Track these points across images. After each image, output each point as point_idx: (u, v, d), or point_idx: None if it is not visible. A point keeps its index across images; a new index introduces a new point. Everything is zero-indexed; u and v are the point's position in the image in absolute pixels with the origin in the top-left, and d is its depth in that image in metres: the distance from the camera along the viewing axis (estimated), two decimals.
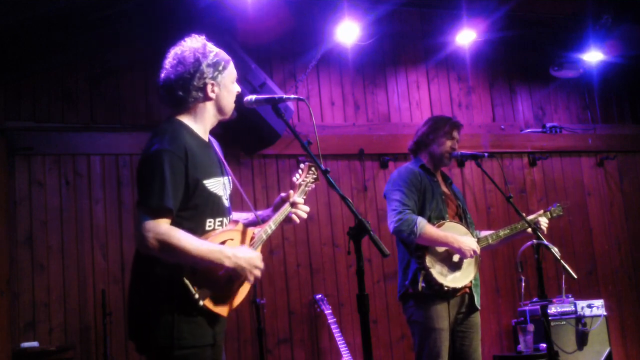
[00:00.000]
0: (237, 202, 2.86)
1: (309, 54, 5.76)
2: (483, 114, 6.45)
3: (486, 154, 4.34)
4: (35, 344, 4.67)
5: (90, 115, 5.24)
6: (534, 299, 5.52)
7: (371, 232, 2.42)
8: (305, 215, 2.82)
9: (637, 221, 6.70)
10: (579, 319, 5.58)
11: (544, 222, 4.14)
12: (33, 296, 4.84)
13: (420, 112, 6.20)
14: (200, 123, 2.66)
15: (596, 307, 5.67)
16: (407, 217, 3.82)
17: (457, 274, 3.89)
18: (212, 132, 2.75)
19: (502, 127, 6.45)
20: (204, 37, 2.69)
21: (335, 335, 5.08)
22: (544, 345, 5.14)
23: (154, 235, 2.36)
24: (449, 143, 4.09)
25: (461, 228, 3.98)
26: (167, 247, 2.37)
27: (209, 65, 2.60)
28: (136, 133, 5.24)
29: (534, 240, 3.89)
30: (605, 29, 5.86)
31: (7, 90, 5.04)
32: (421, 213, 3.93)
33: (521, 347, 5.50)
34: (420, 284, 3.81)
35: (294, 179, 2.87)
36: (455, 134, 4.13)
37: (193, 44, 2.64)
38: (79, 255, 5.00)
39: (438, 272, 3.83)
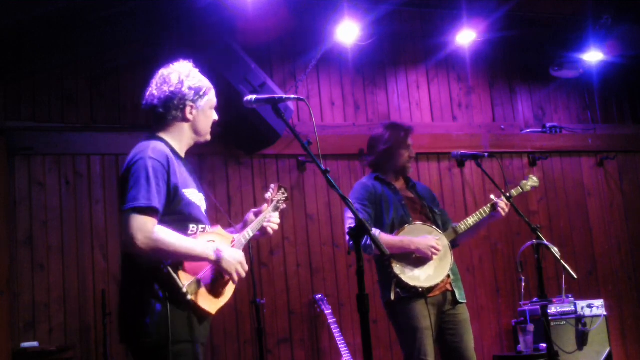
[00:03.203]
0: (213, 214, 2.90)
1: (309, 54, 5.76)
2: (483, 114, 6.45)
3: (486, 154, 4.35)
4: (35, 344, 4.67)
5: (90, 115, 5.24)
6: (534, 299, 5.52)
7: (371, 232, 2.44)
8: (276, 227, 3.08)
9: (637, 221, 6.69)
10: (579, 319, 5.57)
11: (502, 203, 4.03)
12: (33, 296, 4.84)
13: (420, 112, 6.20)
14: (178, 141, 2.80)
15: (596, 307, 5.67)
16: None
17: (430, 272, 3.88)
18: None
19: (502, 127, 6.45)
20: (191, 63, 2.85)
21: (335, 335, 5.08)
22: (544, 345, 5.13)
23: (144, 234, 2.44)
24: (406, 154, 4.16)
25: (424, 228, 3.97)
26: (157, 245, 2.45)
27: (190, 88, 2.76)
28: (136, 133, 5.23)
29: (534, 240, 3.88)
30: (605, 29, 5.85)
31: (7, 90, 5.04)
32: (378, 224, 3.96)
33: (521, 347, 5.50)
34: (395, 291, 3.85)
35: (267, 195, 3.14)
36: (409, 141, 4.18)
37: (179, 68, 2.81)
38: (79, 255, 5.00)
39: (409, 276, 3.83)
